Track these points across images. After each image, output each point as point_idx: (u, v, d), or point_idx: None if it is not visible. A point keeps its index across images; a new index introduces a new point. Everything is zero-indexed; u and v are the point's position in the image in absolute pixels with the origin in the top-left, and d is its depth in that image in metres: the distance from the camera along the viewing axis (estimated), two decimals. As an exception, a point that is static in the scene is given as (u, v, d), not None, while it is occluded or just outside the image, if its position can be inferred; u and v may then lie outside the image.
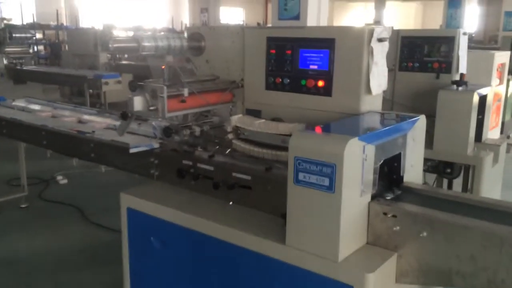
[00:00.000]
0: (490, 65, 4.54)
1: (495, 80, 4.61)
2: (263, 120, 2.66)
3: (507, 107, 5.92)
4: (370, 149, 2.02)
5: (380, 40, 2.58)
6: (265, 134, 2.58)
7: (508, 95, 5.93)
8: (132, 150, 2.84)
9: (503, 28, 14.55)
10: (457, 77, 4.18)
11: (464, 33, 4.18)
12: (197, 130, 2.89)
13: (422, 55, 4.31)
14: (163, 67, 2.73)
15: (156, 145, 2.97)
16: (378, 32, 2.53)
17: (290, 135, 2.45)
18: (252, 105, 3.03)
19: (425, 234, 1.97)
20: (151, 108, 2.62)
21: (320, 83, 2.68)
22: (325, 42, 2.64)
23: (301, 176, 1.99)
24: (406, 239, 2.03)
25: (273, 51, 2.86)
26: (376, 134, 2.07)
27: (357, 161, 1.97)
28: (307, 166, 1.96)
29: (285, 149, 2.48)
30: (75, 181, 6.77)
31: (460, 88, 3.76)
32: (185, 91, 2.70)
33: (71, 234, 5.13)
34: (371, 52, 2.54)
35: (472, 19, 21.58)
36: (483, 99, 3.91)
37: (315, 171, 1.94)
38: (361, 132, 2.13)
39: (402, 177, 2.37)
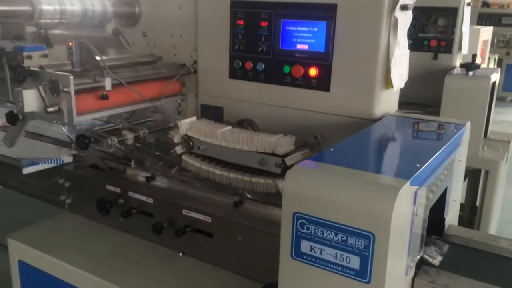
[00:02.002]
0: (475, 41, 3.84)
1: (478, 60, 3.90)
2: (228, 128, 1.75)
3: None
4: (422, 195, 1.17)
5: (403, 7, 1.72)
6: (231, 149, 1.68)
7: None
8: (26, 171, 1.86)
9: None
10: (459, 58, 3.42)
11: (468, 4, 3.40)
12: (130, 138, 1.95)
13: (415, 30, 3.50)
14: (70, 43, 1.75)
15: (66, 158, 2.00)
16: (403, -5, 1.67)
17: (273, 154, 1.58)
18: (210, 99, 2.12)
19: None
20: (50, 109, 1.65)
21: (313, 71, 1.80)
22: (321, 10, 1.75)
23: (305, 246, 1.12)
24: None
25: (240, 22, 1.94)
26: (427, 169, 1.22)
27: (405, 220, 1.12)
28: (318, 230, 1.09)
29: (265, 173, 1.61)
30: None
31: (470, 74, 2.99)
32: (107, 82, 1.74)
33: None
34: (393, 26, 1.68)
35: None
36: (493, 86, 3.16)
37: (333, 241, 1.08)
38: (406, 166, 1.25)
39: (443, 221, 1.55)
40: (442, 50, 3.43)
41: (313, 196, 1.11)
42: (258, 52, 1.91)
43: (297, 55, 1.83)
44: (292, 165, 1.48)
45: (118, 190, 1.82)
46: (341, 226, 1.06)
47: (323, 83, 1.79)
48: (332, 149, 1.31)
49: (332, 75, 1.77)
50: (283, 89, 1.88)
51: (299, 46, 1.82)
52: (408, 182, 1.07)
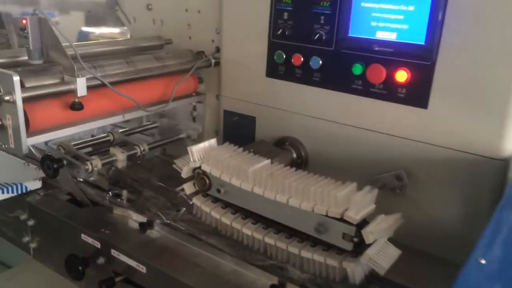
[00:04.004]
0: None
1: None
2: (265, 163, 1.11)
3: None
4: None
5: None
6: (270, 201, 1.04)
7: None
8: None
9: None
10: None
11: None
12: (120, 159, 1.34)
13: None
14: (24, 21, 1.12)
15: (32, 184, 1.41)
16: None
17: (340, 219, 0.95)
18: (238, 105, 1.48)
19: None
20: (-16, 129, 1.04)
21: (402, 76, 1.13)
22: (423, -24, 1.07)
23: None
24: None
25: (288, -5, 1.28)
26: None
27: None
28: None
29: (323, 244, 0.99)
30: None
31: None
32: (79, 84, 1.11)
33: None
34: (552, 7, 1.00)
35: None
36: None
37: None
38: None
39: None
40: None
41: None
42: (314, 41, 1.25)
43: (376, 48, 1.16)
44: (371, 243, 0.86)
45: (98, 244, 1.22)
46: None
47: (417, 95, 1.13)
48: (483, 261, 0.66)
49: (434, 84, 1.10)
50: (350, 99, 1.23)
51: (381, 34, 1.15)
52: None
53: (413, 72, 1.12)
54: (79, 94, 1.13)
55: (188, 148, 1.15)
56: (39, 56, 1.14)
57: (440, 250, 1.16)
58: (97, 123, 1.25)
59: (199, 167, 1.15)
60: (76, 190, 1.39)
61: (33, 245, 1.41)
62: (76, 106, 1.14)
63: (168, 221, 1.25)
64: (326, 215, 0.96)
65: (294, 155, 1.35)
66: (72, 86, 1.12)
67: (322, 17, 1.23)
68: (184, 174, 1.17)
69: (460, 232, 1.14)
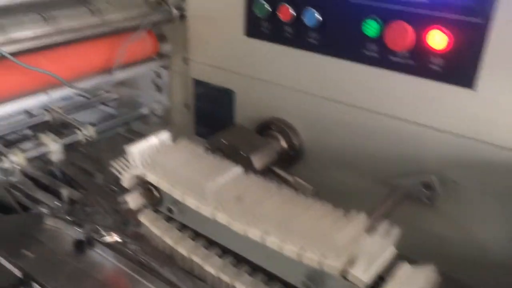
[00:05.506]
0: None
1: None
2: (231, 176, 0.76)
3: None
4: None
5: None
6: (238, 235, 0.71)
7: None
8: None
9: None
10: None
11: None
12: (54, 150, 1.00)
13: None
14: None
15: None
16: None
17: (342, 277, 0.61)
18: (211, 73, 1.11)
19: None
20: None
21: (438, 39, 0.75)
22: None
23: None
24: None
25: None
26: None
27: None
28: None
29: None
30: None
31: None
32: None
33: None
34: None
35: None
36: None
37: None
38: None
39: None
40: None
41: None
42: (308, -14, 0.86)
43: (401, 5, 0.77)
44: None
45: (18, 273, 0.91)
46: None
47: (461, 69, 0.75)
48: None
49: (488, 53, 0.72)
50: (361, 70, 0.86)
51: (407, -24, 0.76)
52: None
53: (456, 34, 0.74)
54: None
55: (127, 149, 0.81)
56: None
57: (482, 280, 0.83)
58: (3, 109, 0.90)
59: (144, 178, 0.81)
60: (1, 188, 1.07)
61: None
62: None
63: (111, 240, 0.93)
64: (320, 268, 0.63)
65: (285, 145, 1.00)
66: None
67: (321, -50, 0.83)
68: (125, 183, 0.84)
69: (510, 258, 0.81)
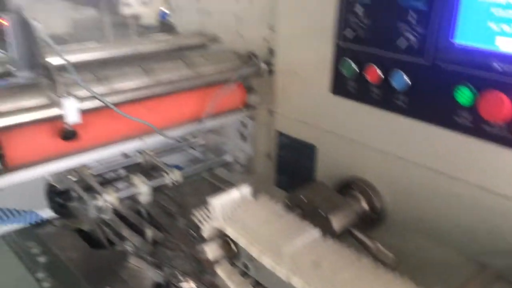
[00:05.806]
0: None
1: None
2: (307, 240, 0.76)
3: None
4: None
5: None
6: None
7: None
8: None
9: None
10: None
11: None
12: (144, 192, 1.06)
13: None
14: (2, 21, 0.85)
15: (46, 212, 1.19)
16: None
17: None
18: (295, 127, 1.12)
19: None
20: None
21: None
22: None
23: None
24: None
25: (363, -21, 0.89)
26: None
27: None
28: None
29: None
30: None
31: None
32: (67, 107, 0.84)
33: None
34: None
35: None
36: None
37: None
38: None
39: None
40: None
41: None
42: (399, 48, 0.85)
43: (496, 65, 0.74)
44: None
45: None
46: None
47: None
48: None
49: None
50: (452, 138, 0.82)
51: (503, 43, 0.73)
52: None
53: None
54: (69, 121, 0.85)
55: (209, 201, 0.84)
56: (25, 65, 0.88)
57: None
58: (103, 152, 0.97)
59: (222, 230, 0.83)
60: (93, 225, 1.15)
61: (46, 285, 1.20)
62: (67, 135, 0.87)
63: (187, 287, 0.96)
64: None
65: (366, 206, 0.98)
66: (60, 110, 0.85)
67: (413, 14, 0.82)
68: (205, 234, 0.86)
69: None
